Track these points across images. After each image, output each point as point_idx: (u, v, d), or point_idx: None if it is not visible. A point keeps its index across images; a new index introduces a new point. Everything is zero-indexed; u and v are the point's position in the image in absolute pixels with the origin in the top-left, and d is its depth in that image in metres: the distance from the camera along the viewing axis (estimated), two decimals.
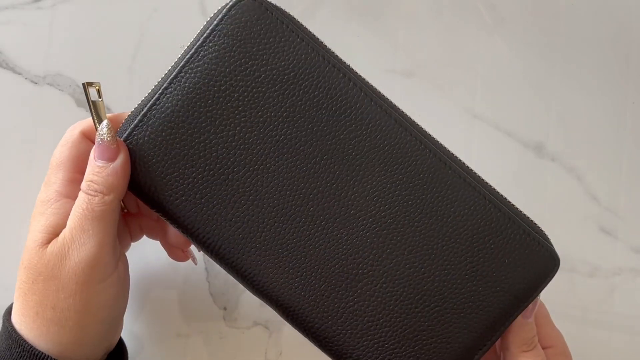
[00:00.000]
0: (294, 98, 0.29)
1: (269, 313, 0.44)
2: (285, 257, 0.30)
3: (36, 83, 0.44)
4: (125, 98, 0.44)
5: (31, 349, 0.30)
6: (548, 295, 0.46)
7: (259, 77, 0.30)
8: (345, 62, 0.31)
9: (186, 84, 0.30)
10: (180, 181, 0.30)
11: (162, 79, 0.31)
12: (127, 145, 0.30)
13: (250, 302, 0.44)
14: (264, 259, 0.30)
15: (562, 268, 0.46)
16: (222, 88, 0.30)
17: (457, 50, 0.46)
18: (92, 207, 0.30)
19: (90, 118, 0.32)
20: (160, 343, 0.43)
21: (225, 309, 0.44)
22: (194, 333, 0.44)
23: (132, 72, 0.44)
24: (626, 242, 0.46)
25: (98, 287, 0.31)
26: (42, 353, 0.30)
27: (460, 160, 0.32)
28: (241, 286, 0.45)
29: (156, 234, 0.37)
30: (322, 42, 0.31)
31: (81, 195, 0.31)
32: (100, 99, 0.32)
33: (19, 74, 0.44)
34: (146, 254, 0.43)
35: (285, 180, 0.30)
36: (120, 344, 0.36)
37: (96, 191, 0.30)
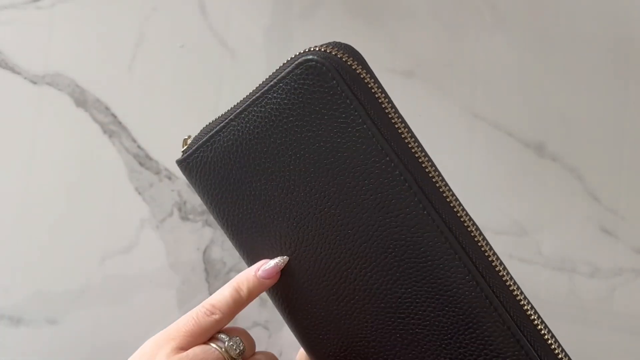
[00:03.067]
0: (343, 177, 0.28)
1: (269, 314, 0.44)
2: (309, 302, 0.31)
3: (35, 83, 0.44)
4: (126, 98, 0.44)
5: None
6: (549, 296, 0.46)
7: (313, 144, 0.28)
8: (410, 153, 0.28)
9: (248, 124, 0.30)
10: (228, 206, 0.31)
11: (229, 110, 0.31)
12: (192, 160, 0.31)
13: (249, 303, 0.44)
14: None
15: (563, 268, 0.46)
16: (278, 142, 0.29)
17: (457, 50, 0.46)
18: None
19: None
20: None
21: None
22: None
23: (132, 72, 0.44)
24: (627, 242, 0.46)
25: None
26: None
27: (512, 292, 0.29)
28: None
29: None
30: (393, 125, 0.28)
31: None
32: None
33: (18, 73, 0.43)
34: (145, 254, 0.43)
35: (320, 247, 0.29)
36: None
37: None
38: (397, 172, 0.27)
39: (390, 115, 0.28)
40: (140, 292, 0.43)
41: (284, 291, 0.31)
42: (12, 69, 0.43)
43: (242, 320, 0.44)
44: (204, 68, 0.44)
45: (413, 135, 0.29)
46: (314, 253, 0.29)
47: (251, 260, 0.32)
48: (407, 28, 0.46)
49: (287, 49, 0.45)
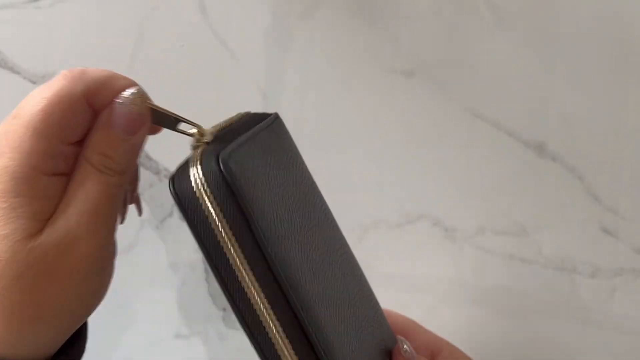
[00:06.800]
0: None
1: None
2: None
3: (35, 82, 0.43)
4: None
5: None
6: (549, 296, 0.46)
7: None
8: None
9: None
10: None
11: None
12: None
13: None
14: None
15: (563, 268, 0.46)
16: None
17: (457, 50, 0.46)
18: (109, 189, 0.25)
19: (96, 71, 0.28)
20: (160, 344, 0.43)
21: (224, 309, 0.44)
22: (194, 334, 0.43)
23: (132, 72, 0.44)
24: (627, 243, 0.46)
25: (95, 278, 0.27)
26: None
27: None
28: None
29: None
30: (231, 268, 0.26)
31: (93, 174, 0.25)
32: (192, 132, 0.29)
33: (18, 73, 0.43)
34: (145, 254, 0.43)
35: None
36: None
37: (113, 170, 0.26)
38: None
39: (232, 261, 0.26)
40: (140, 292, 0.43)
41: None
42: (12, 69, 0.43)
43: None
44: (204, 68, 0.44)
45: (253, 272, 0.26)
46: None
47: None
48: (408, 28, 0.46)
49: (287, 49, 0.45)
